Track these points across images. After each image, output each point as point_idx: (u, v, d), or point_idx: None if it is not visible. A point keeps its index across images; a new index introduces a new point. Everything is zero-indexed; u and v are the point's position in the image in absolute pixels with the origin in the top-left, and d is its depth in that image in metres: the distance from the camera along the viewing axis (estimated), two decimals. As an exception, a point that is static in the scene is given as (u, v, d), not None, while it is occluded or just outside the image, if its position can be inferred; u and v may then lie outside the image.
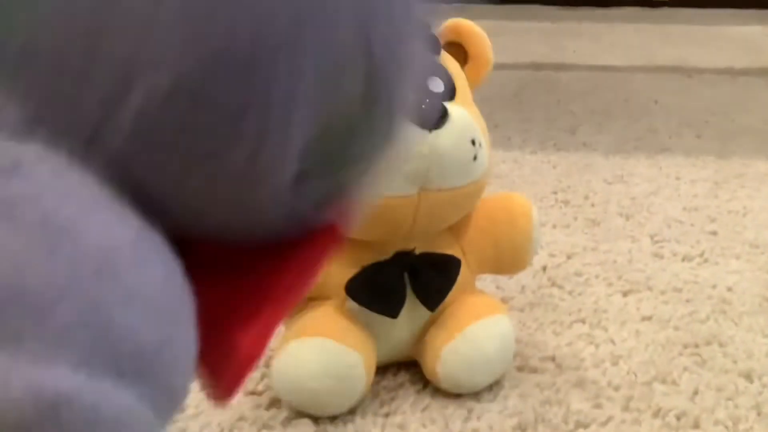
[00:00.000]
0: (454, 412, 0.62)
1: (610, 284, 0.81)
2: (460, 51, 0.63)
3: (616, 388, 0.65)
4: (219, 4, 0.18)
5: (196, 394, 0.23)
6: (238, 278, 0.22)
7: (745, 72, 1.68)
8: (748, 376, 0.66)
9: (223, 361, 0.21)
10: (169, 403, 0.19)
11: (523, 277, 0.81)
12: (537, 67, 1.70)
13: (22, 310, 0.17)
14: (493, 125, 1.23)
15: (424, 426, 0.60)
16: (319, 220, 0.23)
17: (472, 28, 0.63)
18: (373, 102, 0.21)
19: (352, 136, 0.21)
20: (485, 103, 0.65)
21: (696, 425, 0.61)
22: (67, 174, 0.19)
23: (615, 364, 0.68)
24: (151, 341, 0.18)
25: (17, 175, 0.18)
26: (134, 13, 0.18)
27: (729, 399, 0.63)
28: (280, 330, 0.61)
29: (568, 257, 0.86)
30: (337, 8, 0.19)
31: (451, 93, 0.60)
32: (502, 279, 0.80)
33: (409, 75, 0.22)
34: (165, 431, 0.19)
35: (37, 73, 0.19)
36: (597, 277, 0.82)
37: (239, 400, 0.62)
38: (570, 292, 0.79)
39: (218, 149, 0.19)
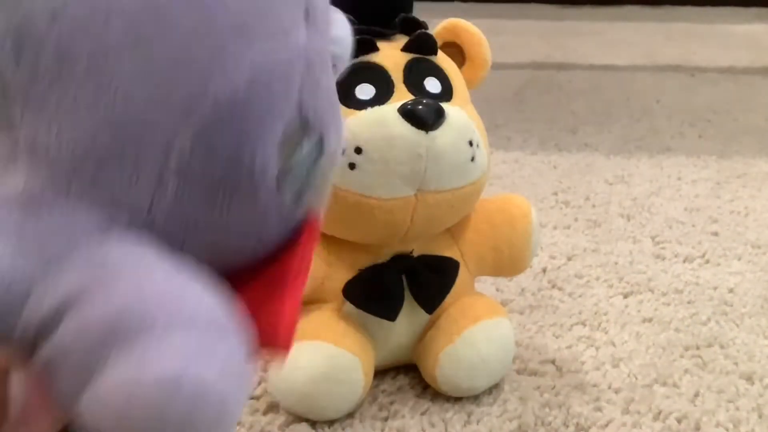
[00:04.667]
0: (453, 416, 0.61)
1: (610, 286, 0.80)
2: (457, 51, 0.63)
3: (617, 391, 0.64)
4: (204, 79, 0.23)
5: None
6: (257, 279, 0.28)
7: (748, 71, 1.68)
8: (750, 378, 0.66)
9: (272, 336, 0.27)
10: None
11: (523, 279, 0.81)
12: (538, 66, 1.70)
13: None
14: (493, 125, 1.23)
15: (423, 430, 0.60)
16: (302, 219, 0.28)
17: (469, 28, 0.63)
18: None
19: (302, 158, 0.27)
20: (485, 103, 0.64)
21: (697, 428, 0.60)
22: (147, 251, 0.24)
23: (615, 366, 0.67)
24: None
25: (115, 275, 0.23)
26: (150, 109, 0.23)
27: (730, 401, 0.63)
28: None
29: (569, 259, 0.86)
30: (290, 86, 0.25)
31: (448, 93, 0.59)
32: (502, 281, 0.80)
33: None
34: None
35: (106, 177, 0.23)
36: (598, 278, 0.82)
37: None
38: (570, 294, 0.79)
39: (230, 178, 0.24)
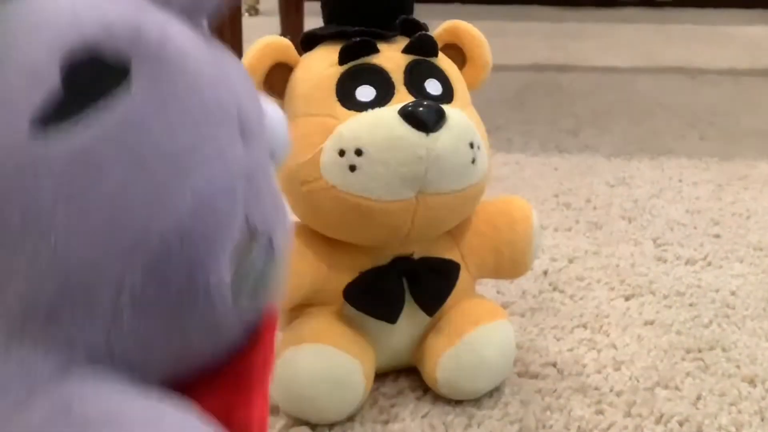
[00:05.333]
0: (454, 419, 0.61)
1: (612, 288, 0.80)
2: (458, 53, 0.62)
3: (618, 394, 0.64)
4: (149, 220, 0.24)
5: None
6: (223, 378, 0.28)
7: (749, 72, 1.68)
8: (752, 381, 0.65)
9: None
10: None
11: (524, 281, 0.80)
12: (539, 68, 1.70)
13: None
14: (494, 127, 1.23)
15: (423, 433, 0.60)
16: (258, 315, 0.28)
17: (469, 30, 0.63)
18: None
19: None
20: (486, 105, 0.64)
21: (699, 431, 0.60)
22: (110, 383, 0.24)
23: (617, 369, 0.67)
24: None
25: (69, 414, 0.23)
26: (97, 253, 0.23)
27: (732, 404, 0.63)
28: (279, 336, 0.61)
29: (570, 261, 0.86)
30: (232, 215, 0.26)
31: (449, 95, 0.59)
32: (503, 283, 0.80)
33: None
34: None
35: (58, 321, 0.23)
36: (599, 281, 0.82)
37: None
38: (571, 297, 0.79)
39: (186, 300, 0.25)
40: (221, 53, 0.27)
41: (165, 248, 0.24)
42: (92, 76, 0.23)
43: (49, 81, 0.22)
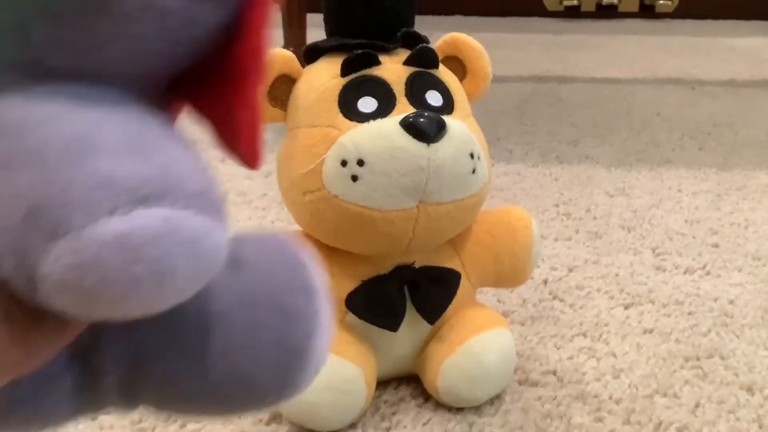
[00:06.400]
0: (455, 426, 0.62)
1: (611, 297, 0.81)
2: (458, 65, 0.63)
3: (618, 402, 0.64)
4: None
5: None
6: (208, 76, 0.25)
7: (748, 84, 1.68)
8: (750, 389, 0.66)
9: (237, 134, 0.25)
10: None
11: (525, 290, 0.81)
12: (539, 79, 1.71)
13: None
14: (495, 138, 1.24)
15: (424, 440, 0.60)
16: None
17: (469, 42, 0.63)
18: None
19: None
20: (487, 116, 0.65)
21: (697, 439, 0.60)
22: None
23: (616, 377, 0.68)
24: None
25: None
26: None
27: (730, 412, 0.63)
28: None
29: (570, 270, 0.86)
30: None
31: (449, 106, 0.60)
32: (503, 292, 0.80)
33: None
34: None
35: None
36: (599, 290, 0.82)
37: (240, 417, 0.62)
38: (571, 306, 0.79)
39: None
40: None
41: None
42: None
43: None
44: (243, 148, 0.25)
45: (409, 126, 0.55)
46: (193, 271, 0.20)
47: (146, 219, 0.20)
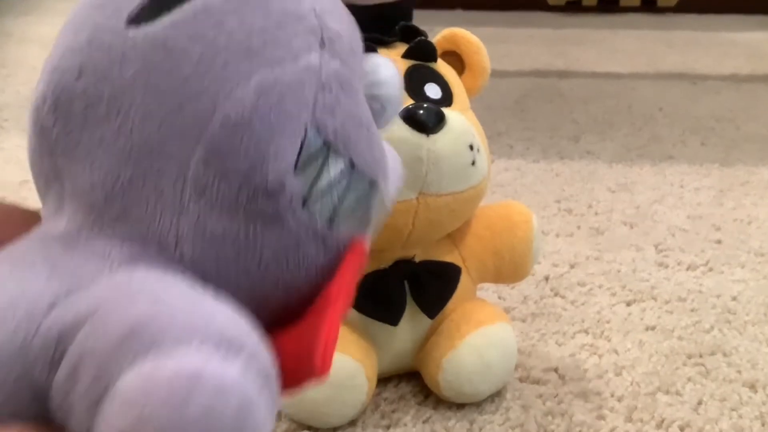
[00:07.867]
0: (455, 423, 0.61)
1: (613, 294, 0.80)
2: (457, 60, 0.63)
3: (620, 399, 0.64)
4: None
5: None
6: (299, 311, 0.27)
7: (750, 79, 1.68)
8: (753, 387, 0.65)
9: (308, 361, 0.26)
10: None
11: (526, 286, 0.80)
12: (539, 74, 1.70)
13: None
14: (495, 133, 1.23)
15: (425, 438, 0.60)
16: (345, 243, 0.27)
17: (467, 37, 0.63)
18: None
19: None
20: (487, 111, 0.64)
21: (700, 436, 0.60)
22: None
23: (618, 374, 0.67)
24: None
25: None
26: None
27: (733, 409, 0.63)
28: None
29: (571, 267, 0.86)
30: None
31: (448, 99, 0.59)
32: (504, 289, 0.80)
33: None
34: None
35: (131, 210, 0.25)
36: (600, 286, 0.82)
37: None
38: (573, 302, 0.79)
39: (246, 197, 0.25)
40: None
41: (225, 136, 0.24)
42: None
43: None
44: (319, 359, 0.26)
45: (408, 117, 0.54)
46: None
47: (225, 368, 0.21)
